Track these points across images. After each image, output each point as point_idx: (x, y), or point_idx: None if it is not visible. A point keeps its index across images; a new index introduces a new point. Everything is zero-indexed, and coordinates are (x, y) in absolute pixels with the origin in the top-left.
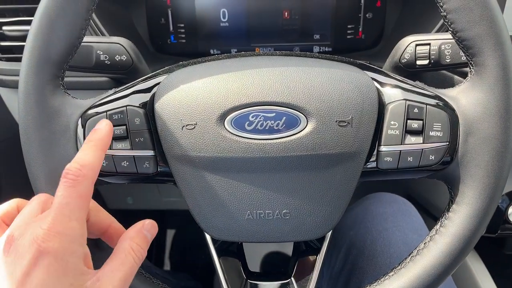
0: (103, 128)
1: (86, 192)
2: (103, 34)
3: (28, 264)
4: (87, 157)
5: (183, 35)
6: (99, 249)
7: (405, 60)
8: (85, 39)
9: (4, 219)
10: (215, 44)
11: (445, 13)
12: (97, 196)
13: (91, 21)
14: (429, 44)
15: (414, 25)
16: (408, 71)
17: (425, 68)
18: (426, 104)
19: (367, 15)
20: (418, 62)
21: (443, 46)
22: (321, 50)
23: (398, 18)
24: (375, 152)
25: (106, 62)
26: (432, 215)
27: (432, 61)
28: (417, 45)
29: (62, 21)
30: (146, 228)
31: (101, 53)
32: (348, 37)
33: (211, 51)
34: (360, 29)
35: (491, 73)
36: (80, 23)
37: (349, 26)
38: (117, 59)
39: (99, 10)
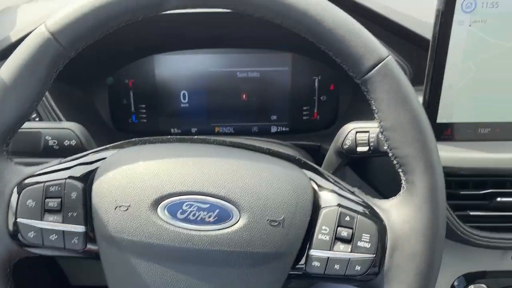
0: None
1: None
2: (58, 117)
3: None
4: None
5: (144, 115)
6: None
7: (347, 146)
8: (35, 124)
9: None
10: (176, 123)
11: (382, 130)
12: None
13: (46, 103)
14: (368, 131)
15: (366, 109)
16: (350, 156)
17: (365, 154)
18: (358, 213)
19: (321, 98)
20: (359, 149)
21: (380, 134)
22: (278, 130)
23: (350, 102)
24: (304, 255)
25: (54, 147)
26: None
27: (372, 148)
28: (357, 132)
29: (15, 92)
30: None
31: (50, 138)
32: (304, 118)
33: (172, 130)
34: (315, 111)
35: (420, 193)
36: (33, 97)
37: (304, 108)
38: (66, 144)
39: (59, 93)
